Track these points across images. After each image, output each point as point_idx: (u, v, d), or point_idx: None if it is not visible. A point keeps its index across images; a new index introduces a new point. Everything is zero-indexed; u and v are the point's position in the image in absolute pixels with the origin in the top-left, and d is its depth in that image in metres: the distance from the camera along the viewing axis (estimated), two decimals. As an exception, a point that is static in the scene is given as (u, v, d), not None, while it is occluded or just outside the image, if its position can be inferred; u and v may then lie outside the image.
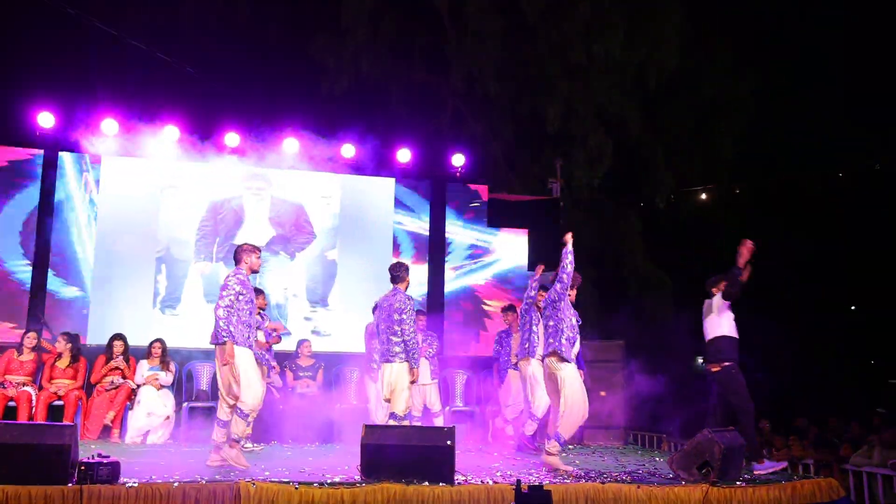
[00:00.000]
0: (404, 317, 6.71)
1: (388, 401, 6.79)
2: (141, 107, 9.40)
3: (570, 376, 6.30)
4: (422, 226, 10.67)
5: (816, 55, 14.79)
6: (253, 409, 6.05)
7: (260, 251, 6.43)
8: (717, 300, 6.88)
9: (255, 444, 7.54)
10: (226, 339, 5.95)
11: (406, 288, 6.91)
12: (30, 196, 9.37)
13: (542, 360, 6.58)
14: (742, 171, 15.15)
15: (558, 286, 6.39)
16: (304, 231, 10.23)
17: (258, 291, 7.72)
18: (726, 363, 6.73)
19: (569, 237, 6.39)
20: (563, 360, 6.26)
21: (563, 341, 6.29)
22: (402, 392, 6.72)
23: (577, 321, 6.53)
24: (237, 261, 6.28)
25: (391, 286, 6.90)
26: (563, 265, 6.34)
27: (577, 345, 6.55)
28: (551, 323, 6.42)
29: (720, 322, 6.83)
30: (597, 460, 7.42)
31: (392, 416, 6.71)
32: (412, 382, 6.79)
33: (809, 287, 15.70)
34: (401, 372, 6.72)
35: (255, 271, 6.36)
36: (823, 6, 14.14)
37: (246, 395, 5.98)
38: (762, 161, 15.30)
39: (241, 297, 6.07)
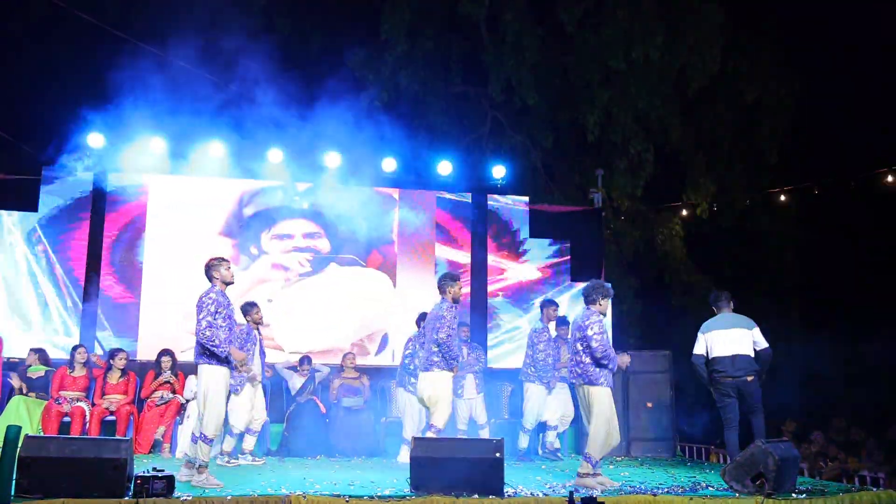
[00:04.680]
0: (440, 324, 6.59)
1: (430, 410, 6.71)
2: (185, 125, 9.54)
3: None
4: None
5: (861, 54, 14.49)
6: (215, 434, 5.92)
7: (229, 262, 6.19)
8: None
9: (256, 458, 7.54)
10: (225, 351, 5.88)
11: (453, 298, 6.78)
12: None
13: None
14: (786, 175, 14.89)
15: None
16: (346, 244, 10.28)
17: (252, 305, 7.67)
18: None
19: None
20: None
21: None
22: (444, 402, 6.61)
23: None
24: (209, 278, 6.08)
25: (438, 298, 6.86)
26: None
27: None
28: None
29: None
30: (645, 472, 7.34)
31: (431, 427, 6.61)
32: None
33: (861, 295, 15.33)
34: (440, 380, 6.62)
35: (228, 283, 6.11)
36: (867, 2, 13.85)
37: (209, 419, 5.84)
38: (807, 165, 15.01)
39: (217, 315, 5.91)
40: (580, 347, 6.24)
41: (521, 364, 8.34)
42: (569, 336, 6.90)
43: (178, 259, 9.73)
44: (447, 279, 6.84)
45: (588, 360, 6.20)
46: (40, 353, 8.47)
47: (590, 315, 6.28)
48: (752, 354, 6.81)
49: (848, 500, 5.63)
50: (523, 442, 8.24)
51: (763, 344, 6.84)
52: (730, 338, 6.85)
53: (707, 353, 6.95)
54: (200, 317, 5.89)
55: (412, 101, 13.68)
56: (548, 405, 8.30)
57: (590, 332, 6.17)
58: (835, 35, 14.36)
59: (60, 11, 10.10)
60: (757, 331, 6.88)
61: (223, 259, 6.16)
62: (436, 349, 6.62)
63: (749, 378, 6.73)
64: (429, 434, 6.53)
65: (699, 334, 7.02)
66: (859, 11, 13.96)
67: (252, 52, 13.27)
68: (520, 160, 13.59)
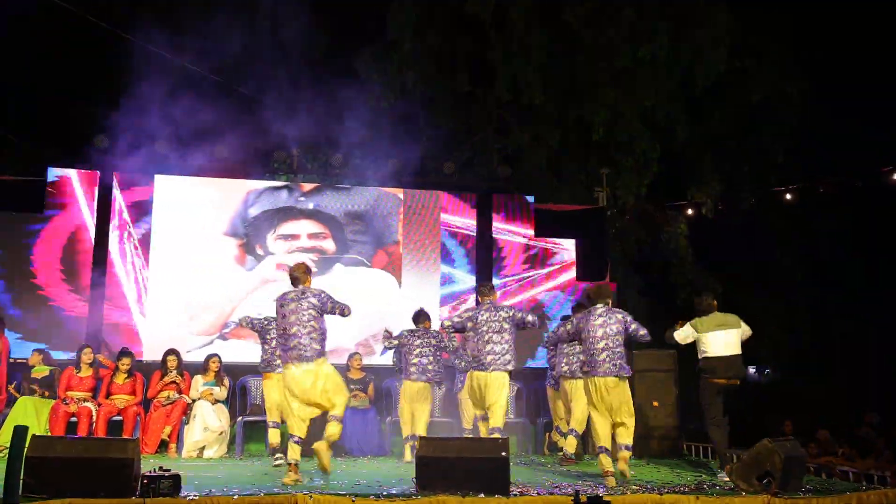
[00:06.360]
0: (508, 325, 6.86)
1: (488, 412, 6.81)
2: (191, 125, 9.57)
3: None
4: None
5: (868, 52, 14.43)
6: None
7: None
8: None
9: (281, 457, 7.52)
10: None
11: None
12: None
13: None
14: (792, 173, 14.84)
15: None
16: (352, 245, 10.28)
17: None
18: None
19: None
20: None
21: None
22: (505, 404, 6.85)
23: None
24: (301, 280, 6.30)
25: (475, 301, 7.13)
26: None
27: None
28: None
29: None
30: (651, 471, 7.33)
31: (496, 429, 6.66)
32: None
33: (866, 295, 15.29)
34: (506, 381, 6.82)
35: None
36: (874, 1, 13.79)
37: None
38: (814, 164, 14.95)
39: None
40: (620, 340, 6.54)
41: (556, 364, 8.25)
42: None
43: (183, 259, 9.76)
44: (490, 288, 7.18)
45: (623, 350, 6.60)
46: (44, 354, 8.50)
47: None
48: (741, 351, 6.93)
49: (856, 500, 5.62)
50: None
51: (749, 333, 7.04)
52: (725, 340, 6.90)
53: (697, 349, 7.02)
54: (329, 305, 6.25)
55: (418, 100, 13.67)
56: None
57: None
58: (842, 33, 14.31)
59: (65, 12, 10.12)
60: (745, 326, 7.02)
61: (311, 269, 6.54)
62: (508, 349, 6.81)
63: (737, 382, 6.89)
64: (495, 436, 6.48)
65: (691, 329, 7.05)
66: (866, 10, 13.92)
67: (258, 51, 13.32)
68: (526, 159, 13.57)
